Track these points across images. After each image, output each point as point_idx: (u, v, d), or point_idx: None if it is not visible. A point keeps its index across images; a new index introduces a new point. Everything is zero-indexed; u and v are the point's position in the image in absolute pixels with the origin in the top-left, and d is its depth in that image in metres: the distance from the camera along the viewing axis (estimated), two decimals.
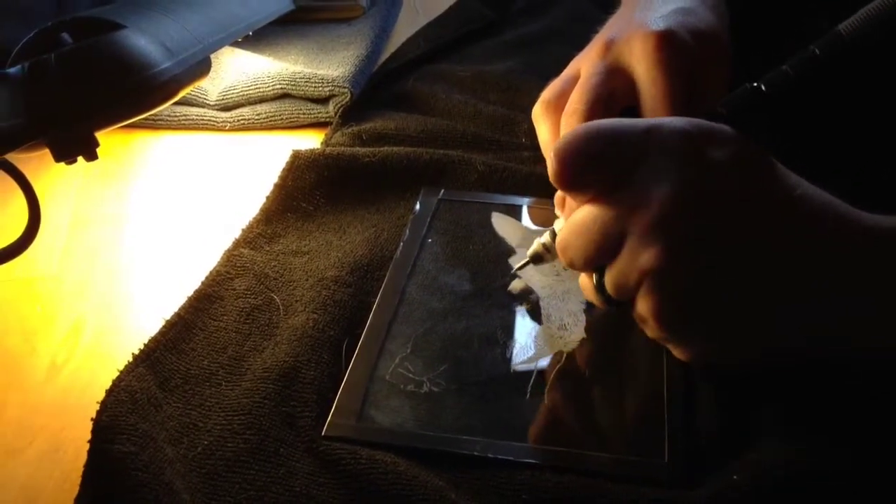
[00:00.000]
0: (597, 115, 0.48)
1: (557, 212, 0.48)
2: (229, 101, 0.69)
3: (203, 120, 0.69)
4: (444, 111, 0.68)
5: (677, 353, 0.42)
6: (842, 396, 0.39)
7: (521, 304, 0.47)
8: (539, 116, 0.53)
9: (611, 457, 0.38)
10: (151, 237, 0.56)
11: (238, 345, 0.44)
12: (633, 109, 0.50)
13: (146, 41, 0.45)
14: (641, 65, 0.49)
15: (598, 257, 0.41)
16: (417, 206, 0.55)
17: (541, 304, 0.47)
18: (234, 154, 0.66)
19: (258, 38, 0.77)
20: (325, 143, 0.64)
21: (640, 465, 0.38)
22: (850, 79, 0.49)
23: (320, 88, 0.67)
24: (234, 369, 0.43)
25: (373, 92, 0.71)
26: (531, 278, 0.48)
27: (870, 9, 0.39)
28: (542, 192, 0.55)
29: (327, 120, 0.68)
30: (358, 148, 0.61)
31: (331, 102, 0.68)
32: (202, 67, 0.52)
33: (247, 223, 0.53)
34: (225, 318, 0.46)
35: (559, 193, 0.47)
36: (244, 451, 0.38)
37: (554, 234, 0.46)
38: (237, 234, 0.52)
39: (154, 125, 0.69)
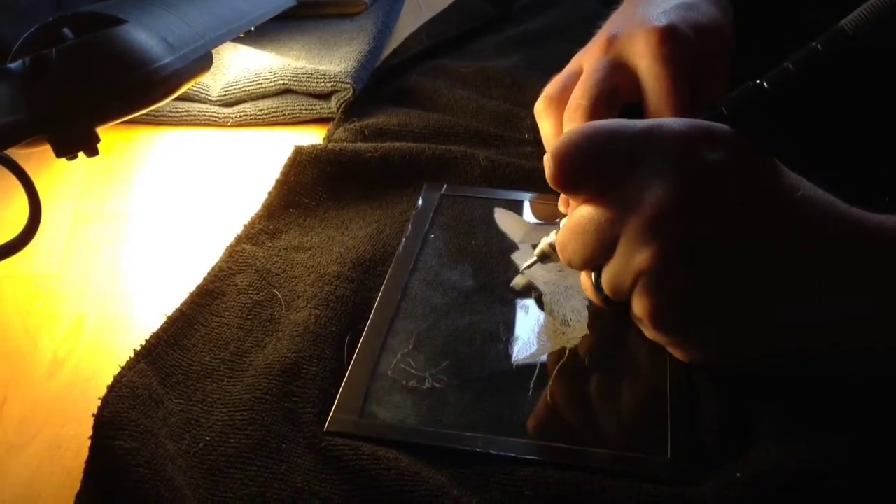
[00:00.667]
0: (600, 110, 0.48)
1: (562, 208, 0.48)
2: (231, 96, 0.69)
3: (205, 115, 0.69)
4: (446, 107, 0.68)
5: (675, 353, 0.42)
6: (843, 395, 0.39)
7: (523, 300, 0.47)
8: (541, 112, 0.54)
9: (613, 453, 0.38)
10: (153, 233, 0.56)
11: (240, 341, 0.44)
12: (637, 106, 0.50)
13: (147, 36, 0.45)
14: (644, 60, 0.49)
15: (594, 257, 0.41)
16: (420, 202, 0.55)
17: (544, 300, 0.47)
18: (236, 150, 0.66)
19: (260, 33, 0.77)
20: (328, 138, 0.64)
21: (642, 462, 0.38)
22: (853, 75, 0.49)
23: (322, 84, 0.67)
24: (235, 365, 0.43)
25: (375, 87, 0.71)
26: (534, 274, 0.48)
27: (872, 4, 0.39)
28: (544, 187, 0.55)
29: (329, 115, 0.68)
30: (360, 143, 0.61)
31: (333, 98, 0.68)
32: (204, 63, 0.52)
33: (248, 219, 0.53)
34: (227, 313, 0.46)
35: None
36: (246, 447, 0.38)
37: None
38: (239, 229, 0.52)
39: (155, 121, 0.69)
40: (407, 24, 0.86)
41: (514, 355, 0.43)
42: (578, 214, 0.41)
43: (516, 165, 0.58)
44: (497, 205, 0.55)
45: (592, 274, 0.43)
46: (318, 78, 0.67)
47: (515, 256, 0.50)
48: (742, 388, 0.40)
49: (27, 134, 0.42)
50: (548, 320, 0.46)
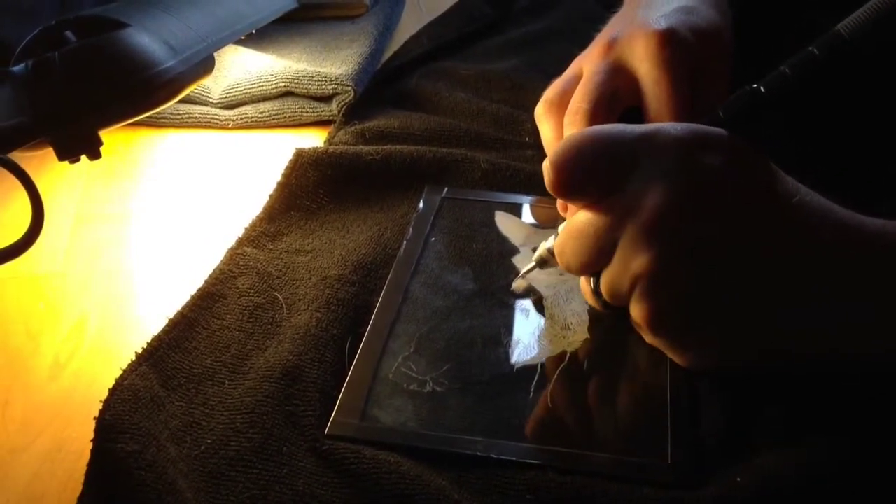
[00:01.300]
0: (600, 114, 0.48)
1: (561, 212, 0.49)
2: (233, 99, 0.69)
3: (206, 118, 0.69)
4: (447, 109, 0.68)
5: (674, 358, 0.42)
6: (843, 398, 0.39)
7: (524, 303, 0.47)
8: (542, 116, 0.54)
9: (614, 457, 0.38)
10: (154, 235, 0.56)
11: (241, 343, 0.44)
12: (637, 109, 0.50)
13: (150, 39, 0.45)
14: (644, 64, 0.49)
15: (593, 262, 0.41)
16: (421, 205, 0.55)
17: (544, 303, 0.47)
18: (238, 152, 0.66)
19: (261, 35, 0.77)
20: (329, 141, 0.64)
21: (643, 466, 0.38)
22: (850, 79, 0.49)
23: (324, 86, 0.67)
24: (237, 368, 0.43)
25: (376, 90, 0.71)
26: (535, 278, 0.48)
27: (869, 7, 0.39)
28: (545, 190, 0.55)
29: (330, 118, 0.68)
30: (361, 146, 0.61)
31: (334, 100, 0.68)
32: (206, 65, 0.52)
33: (250, 221, 0.53)
34: (228, 316, 0.46)
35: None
36: (247, 450, 0.38)
37: None
38: (240, 232, 0.52)
39: (157, 123, 0.69)
40: (408, 27, 0.86)
41: (515, 359, 0.44)
42: (577, 220, 0.41)
43: (517, 168, 0.58)
44: (498, 208, 0.55)
45: (591, 279, 0.43)
46: (319, 80, 0.67)
47: (516, 260, 0.50)
48: (743, 393, 0.40)
49: (29, 137, 0.42)
50: (548, 324, 0.46)
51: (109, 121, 0.45)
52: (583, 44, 0.56)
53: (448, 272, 0.50)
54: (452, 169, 0.59)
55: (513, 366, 0.43)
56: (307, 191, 0.56)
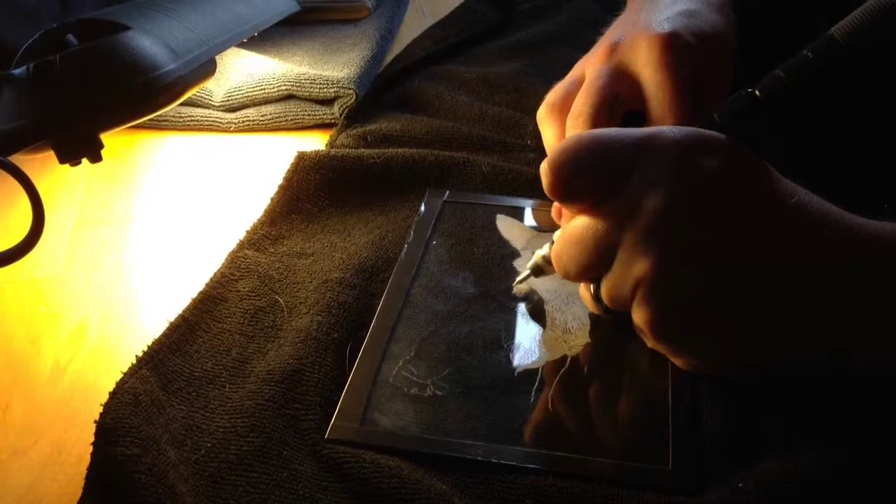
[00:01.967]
0: (602, 117, 0.48)
1: (556, 219, 0.48)
2: (234, 102, 0.69)
3: (208, 121, 0.69)
4: (449, 113, 0.68)
5: (676, 362, 0.42)
6: (845, 405, 0.39)
7: (525, 307, 0.47)
8: (544, 119, 0.54)
9: (614, 462, 0.38)
10: (155, 239, 0.56)
11: (242, 347, 0.44)
12: (638, 114, 0.50)
13: (151, 42, 0.45)
14: (647, 68, 0.49)
15: (592, 268, 0.41)
16: (422, 208, 0.55)
17: (545, 307, 0.47)
18: (239, 155, 0.66)
19: (263, 39, 0.77)
20: (330, 144, 0.64)
21: (643, 472, 0.38)
22: (844, 81, 0.49)
23: (325, 90, 0.67)
24: (237, 371, 0.43)
25: (378, 93, 0.71)
26: (536, 282, 0.48)
27: (863, 10, 0.39)
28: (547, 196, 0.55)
29: (332, 121, 0.68)
30: (363, 149, 0.61)
31: (336, 104, 0.68)
32: (207, 69, 0.52)
33: (251, 224, 0.53)
34: (229, 320, 0.46)
35: (557, 203, 0.47)
36: (247, 454, 0.38)
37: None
38: (241, 235, 0.52)
39: (159, 126, 0.69)
40: (410, 30, 0.86)
41: (516, 363, 0.43)
42: (575, 225, 0.41)
43: (519, 172, 0.58)
44: (499, 211, 0.55)
45: (591, 284, 0.43)
46: (321, 83, 0.67)
47: (517, 264, 0.50)
48: (745, 398, 0.40)
49: (31, 140, 0.42)
50: (549, 328, 0.46)
51: (110, 124, 0.45)
52: (585, 47, 0.55)
53: (449, 276, 0.49)
54: (454, 172, 0.59)
55: (513, 370, 0.43)
56: (308, 194, 0.56)
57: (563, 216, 0.47)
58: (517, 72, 0.74)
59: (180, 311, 0.45)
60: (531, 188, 0.57)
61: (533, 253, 0.47)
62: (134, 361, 0.42)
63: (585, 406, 0.41)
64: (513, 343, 0.45)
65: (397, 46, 0.81)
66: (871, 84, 0.54)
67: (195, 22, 0.51)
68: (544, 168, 0.41)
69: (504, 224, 0.54)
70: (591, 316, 0.46)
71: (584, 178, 0.40)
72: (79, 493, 0.36)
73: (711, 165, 0.39)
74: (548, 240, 0.46)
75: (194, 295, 0.47)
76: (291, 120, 0.68)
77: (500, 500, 0.37)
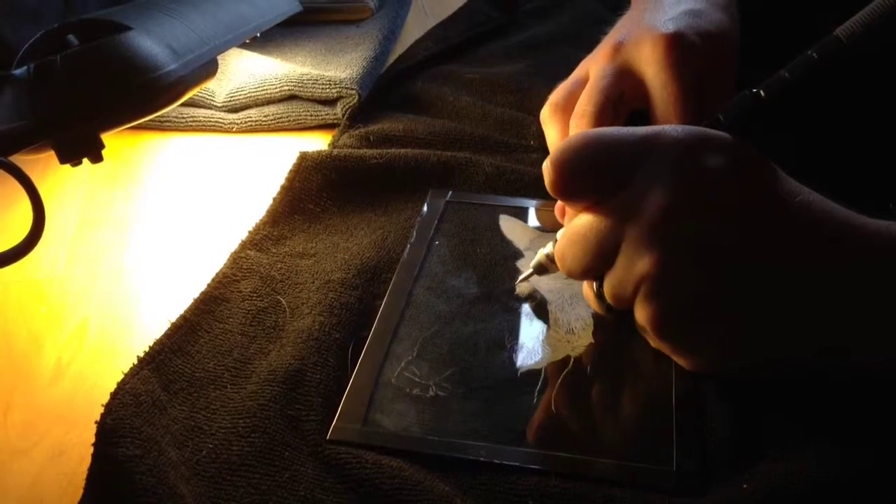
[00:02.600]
0: (605, 117, 0.48)
1: (559, 218, 0.48)
2: (236, 102, 0.69)
3: (210, 121, 0.69)
4: (452, 113, 0.67)
5: (679, 361, 0.42)
6: (850, 405, 0.39)
7: (528, 308, 0.47)
8: (547, 119, 0.53)
9: (618, 463, 0.38)
10: (157, 239, 0.56)
11: (243, 347, 0.44)
12: (643, 113, 0.50)
13: (152, 43, 0.45)
14: (651, 68, 0.49)
15: (595, 266, 0.41)
16: (425, 209, 0.55)
17: (548, 308, 0.47)
18: (241, 156, 0.66)
19: (265, 39, 0.77)
20: (333, 144, 0.64)
21: (647, 473, 0.37)
22: (849, 82, 0.49)
23: (328, 90, 0.67)
24: (239, 372, 0.43)
25: (380, 94, 0.71)
26: (539, 282, 0.48)
27: (868, 11, 0.39)
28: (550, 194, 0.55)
29: (335, 122, 0.68)
30: (365, 150, 0.60)
31: (338, 104, 0.68)
32: (209, 69, 0.52)
33: (253, 225, 0.53)
34: (230, 320, 0.46)
35: (560, 202, 0.47)
36: (249, 455, 0.38)
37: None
38: (243, 235, 0.52)
39: (161, 127, 0.69)
40: (412, 30, 0.86)
41: (519, 363, 0.43)
42: (578, 223, 0.41)
43: (522, 172, 0.58)
44: (502, 212, 0.55)
45: (594, 283, 0.43)
46: (323, 84, 0.67)
47: (520, 264, 0.50)
48: (749, 398, 0.40)
49: (31, 140, 0.42)
50: (552, 328, 0.45)
51: (112, 124, 0.45)
52: (588, 47, 0.55)
53: (452, 276, 0.49)
54: (457, 172, 0.58)
55: (516, 370, 0.43)
56: (311, 194, 0.56)
57: (567, 214, 0.47)
58: (520, 72, 0.74)
59: (182, 312, 0.45)
60: (534, 188, 0.57)
61: (536, 253, 0.47)
62: (135, 362, 0.42)
63: (588, 407, 0.41)
64: (516, 343, 0.44)
65: (400, 47, 0.81)
66: (876, 84, 0.54)
67: (197, 22, 0.51)
68: (547, 165, 0.41)
69: (507, 224, 0.54)
70: (595, 316, 0.46)
71: (587, 175, 0.40)
72: (79, 493, 0.36)
73: (715, 164, 0.38)
74: (551, 240, 0.46)
75: (196, 295, 0.47)
76: (294, 120, 0.68)
77: (503, 501, 0.36)
